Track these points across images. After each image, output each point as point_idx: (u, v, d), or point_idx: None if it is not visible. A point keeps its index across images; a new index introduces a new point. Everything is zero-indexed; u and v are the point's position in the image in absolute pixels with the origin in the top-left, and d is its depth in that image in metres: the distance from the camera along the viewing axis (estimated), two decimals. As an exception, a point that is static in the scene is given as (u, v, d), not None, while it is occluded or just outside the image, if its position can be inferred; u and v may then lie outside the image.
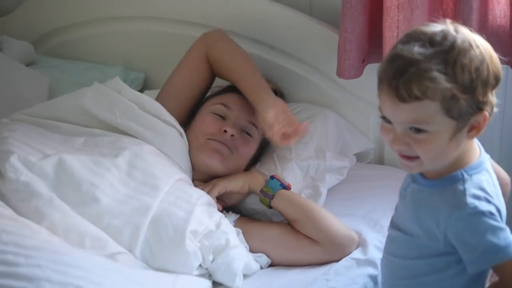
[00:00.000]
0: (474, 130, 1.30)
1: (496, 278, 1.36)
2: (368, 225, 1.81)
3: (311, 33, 2.11)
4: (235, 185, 1.81)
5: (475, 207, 1.28)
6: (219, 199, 1.79)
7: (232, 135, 1.84)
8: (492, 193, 1.31)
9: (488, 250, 1.27)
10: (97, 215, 1.57)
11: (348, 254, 1.69)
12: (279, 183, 1.79)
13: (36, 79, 2.30)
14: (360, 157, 2.13)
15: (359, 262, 1.67)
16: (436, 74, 1.23)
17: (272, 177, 1.81)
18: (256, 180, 1.82)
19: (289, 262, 1.71)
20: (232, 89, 1.97)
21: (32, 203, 1.54)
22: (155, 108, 1.88)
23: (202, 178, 1.86)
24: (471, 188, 1.30)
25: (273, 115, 1.79)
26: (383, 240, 1.73)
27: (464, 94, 1.24)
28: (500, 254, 1.27)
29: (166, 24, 2.36)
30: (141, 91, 2.29)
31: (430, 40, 1.25)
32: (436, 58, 1.24)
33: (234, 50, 1.99)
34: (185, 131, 1.90)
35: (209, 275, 1.63)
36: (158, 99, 1.97)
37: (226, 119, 1.88)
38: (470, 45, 1.25)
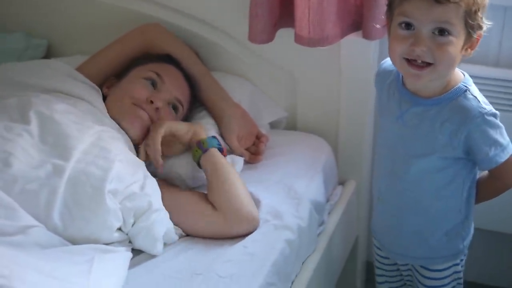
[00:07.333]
0: (469, 49, 1.45)
1: None
2: (282, 190, 1.82)
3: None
4: (180, 128, 1.79)
5: (490, 110, 1.47)
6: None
7: (157, 108, 1.82)
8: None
9: (499, 148, 1.48)
10: (10, 180, 1.51)
11: (246, 232, 1.64)
12: (217, 142, 1.78)
13: None
14: (273, 125, 2.12)
15: (277, 227, 1.67)
16: None
17: (213, 136, 1.81)
18: (200, 130, 1.81)
19: (191, 232, 1.67)
20: (169, 60, 1.96)
21: None
22: (81, 76, 1.90)
23: None
24: (478, 96, 1.48)
25: (236, 132, 1.91)
26: (298, 206, 1.75)
27: (479, 10, 1.40)
28: (505, 151, 1.49)
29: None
30: (46, 58, 2.23)
31: None
32: None
33: (181, 47, 2.02)
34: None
35: (129, 241, 1.59)
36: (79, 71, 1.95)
37: (156, 88, 1.86)
38: None
